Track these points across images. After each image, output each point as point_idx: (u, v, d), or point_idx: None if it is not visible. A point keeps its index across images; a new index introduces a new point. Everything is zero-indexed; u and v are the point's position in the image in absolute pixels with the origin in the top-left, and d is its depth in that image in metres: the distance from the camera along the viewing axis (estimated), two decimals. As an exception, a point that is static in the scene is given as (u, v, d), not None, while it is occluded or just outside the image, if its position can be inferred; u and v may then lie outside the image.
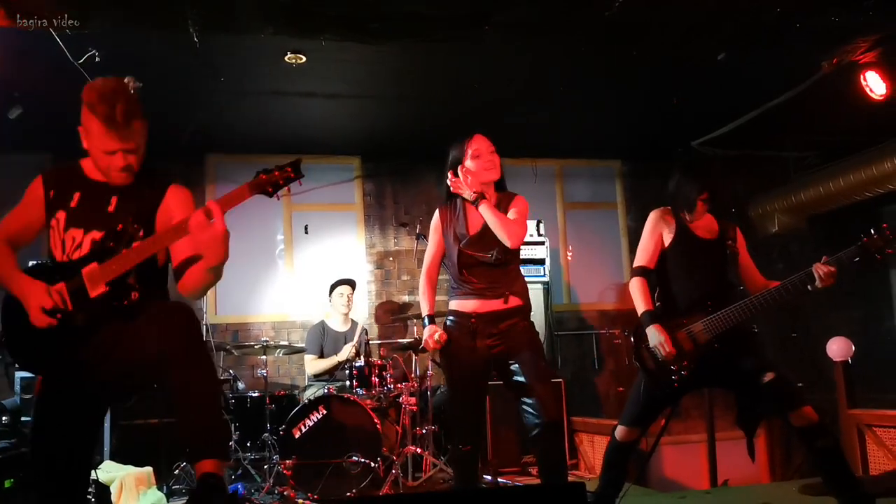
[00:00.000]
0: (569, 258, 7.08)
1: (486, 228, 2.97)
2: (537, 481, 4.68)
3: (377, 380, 4.75)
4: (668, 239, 3.09)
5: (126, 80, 2.16)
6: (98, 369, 2.08)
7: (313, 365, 5.37)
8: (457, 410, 3.08)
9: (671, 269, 3.07)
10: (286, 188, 2.12)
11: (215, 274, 2.09)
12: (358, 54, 4.60)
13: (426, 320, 3.09)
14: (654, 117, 6.12)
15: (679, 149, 6.27)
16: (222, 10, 3.92)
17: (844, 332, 5.15)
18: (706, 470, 4.80)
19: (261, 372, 5.06)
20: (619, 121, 6.25)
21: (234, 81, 4.92)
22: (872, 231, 2.80)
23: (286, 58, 4.57)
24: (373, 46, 4.41)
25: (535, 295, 5.50)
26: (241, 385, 5.43)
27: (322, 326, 5.54)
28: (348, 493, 4.22)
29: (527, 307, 3.03)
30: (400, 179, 6.77)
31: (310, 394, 4.96)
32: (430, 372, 5.00)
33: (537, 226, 6.20)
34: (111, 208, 2.20)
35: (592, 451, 5.48)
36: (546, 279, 6.17)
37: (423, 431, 4.83)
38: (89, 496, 3.80)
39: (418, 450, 4.74)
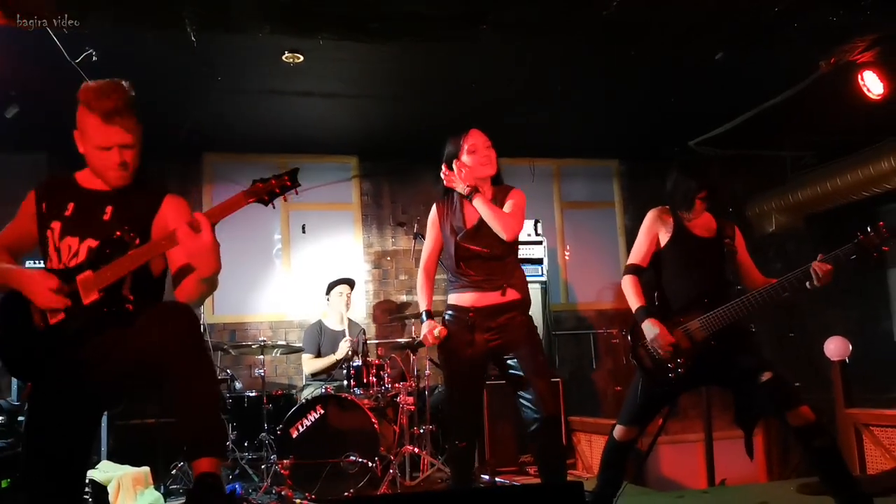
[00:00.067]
0: (566, 257, 7.08)
1: (482, 221, 2.97)
2: (535, 481, 4.69)
3: (375, 379, 4.73)
4: (665, 238, 3.09)
5: (122, 81, 2.17)
6: (95, 371, 2.07)
7: (310, 364, 5.37)
8: (454, 406, 3.08)
9: (669, 267, 3.08)
10: (283, 196, 2.12)
11: (209, 284, 2.10)
12: (356, 54, 4.60)
13: (424, 315, 3.08)
14: (652, 117, 6.11)
15: (676, 148, 6.27)
16: (219, 10, 3.91)
17: (841, 331, 5.16)
18: (704, 469, 4.80)
19: (258, 372, 5.06)
20: (617, 120, 6.25)
21: (231, 81, 4.91)
22: (869, 229, 2.82)
23: (284, 57, 4.56)
24: (371, 46, 4.41)
25: (533, 294, 5.41)
26: (238, 385, 5.44)
27: (319, 326, 5.53)
28: (346, 493, 4.22)
29: (525, 300, 3.02)
30: (397, 179, 6.77)
31: (307, 393, 4.96)
32: (427, 371, 5.01)
33: (535, 225, 6.19)
34: (106, 217, 2.19)
35: (590, 450, 5.48)
36: (544, 278, 6.16)
37: (421, 431, 4.82)
38: (86, 496, 3.79)
39: (416, 449, 4.73)
